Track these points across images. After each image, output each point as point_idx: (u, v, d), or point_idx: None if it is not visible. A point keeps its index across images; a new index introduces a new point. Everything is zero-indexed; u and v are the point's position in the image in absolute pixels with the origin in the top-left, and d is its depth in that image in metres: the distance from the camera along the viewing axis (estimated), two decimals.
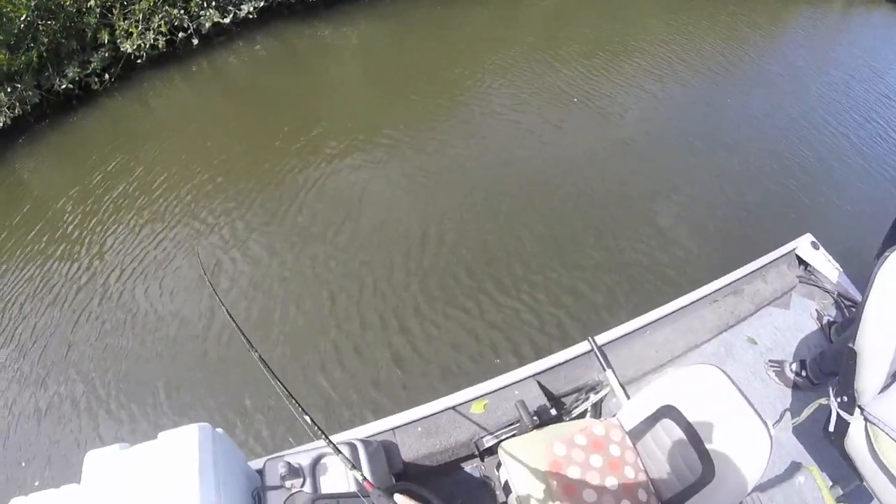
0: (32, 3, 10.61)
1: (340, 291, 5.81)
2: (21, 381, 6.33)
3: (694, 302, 3.69)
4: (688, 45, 10.21)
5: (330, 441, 1.76)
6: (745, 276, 3.89)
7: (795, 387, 3.38)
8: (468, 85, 8.88)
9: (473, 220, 6.23)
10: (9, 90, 10.65)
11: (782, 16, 12.23)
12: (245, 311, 5.82)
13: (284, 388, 1.83)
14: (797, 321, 3.81)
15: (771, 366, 3.52)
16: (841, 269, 3.93)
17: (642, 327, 3.53)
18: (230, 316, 2.15)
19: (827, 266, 3.97)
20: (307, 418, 1.76)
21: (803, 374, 3.32)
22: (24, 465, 5.41)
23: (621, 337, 3.46)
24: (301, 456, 2.26)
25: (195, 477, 1.91)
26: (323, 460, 2.25)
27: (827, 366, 3.11)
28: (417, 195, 6.74)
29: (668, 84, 8.79)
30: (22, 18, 10.60)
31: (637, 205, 6.28)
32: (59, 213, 8.81)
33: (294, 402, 1.81)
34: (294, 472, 2.15)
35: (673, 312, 3.62)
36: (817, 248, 4.03)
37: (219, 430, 2.21)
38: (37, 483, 5.17)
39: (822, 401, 2.78)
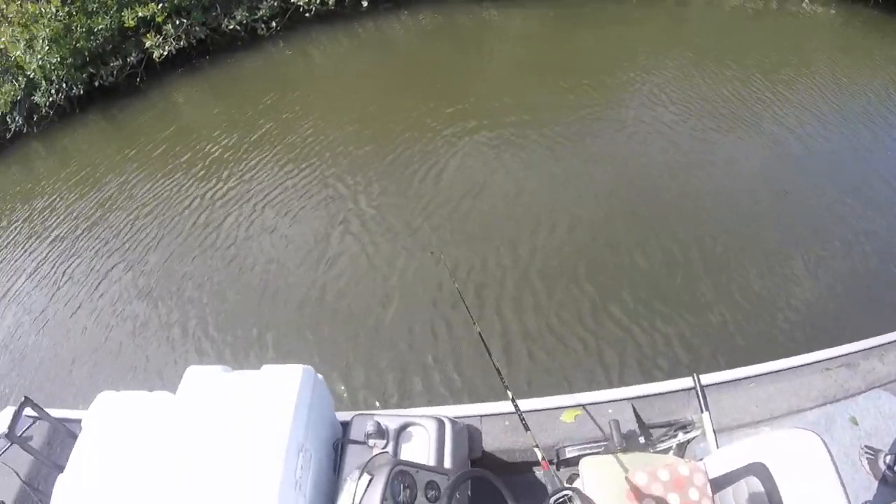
0: None
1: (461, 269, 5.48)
2: (135, 290, 6.27)
3: (805, 365, 3.52)
4: (851, 87, 9.43)
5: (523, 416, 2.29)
6: (862, 350, 3.63)
7: (884, 480, 3.05)
8: (624, 86, 8.45)
9: (604, 224, 5.94)
10: (177, 23, 10.77)
11: None
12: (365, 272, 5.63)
13: (495, 366, 2.44)
14: None
15: (866, 452, 3.18)
16: None
17: (748, 377, 3.40)
18: (458, 290, 2.82)
19: None
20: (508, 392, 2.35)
21: (895, 469, 2.99)
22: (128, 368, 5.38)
23: (725, 382, 3.35)
24: (389, 419, 2.32)
25: (290, 413, 2.02)
26: (409, 429, 2.33)
27: None
28: (550, 186, 6.41)
29: (830, 126, 8.09)
30: None
31: (773, 248, 5.72)
32: (206, 138, 8.78)
33: (501, 377, 2.38)
34: (380, 432, 2.25)
35: (782, 370, 3.47)
36: None
37: (319, 375, 2.28)
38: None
39: None
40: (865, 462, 3.16)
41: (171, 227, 7.07)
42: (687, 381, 3.23)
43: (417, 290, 5.35)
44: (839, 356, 3.58)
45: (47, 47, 10.77)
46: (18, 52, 10.99)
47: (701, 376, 3.10)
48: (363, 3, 10.95)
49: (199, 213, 7.13)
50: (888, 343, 3.72)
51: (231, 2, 11.08)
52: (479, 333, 2.72)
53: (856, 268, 5.59)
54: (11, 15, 11.52)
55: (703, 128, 7.54)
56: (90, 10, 11.04)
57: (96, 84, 11.51)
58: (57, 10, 10.91)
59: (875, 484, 3.05)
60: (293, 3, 10.81)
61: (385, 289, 5.41)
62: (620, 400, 3.16)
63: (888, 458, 3.08)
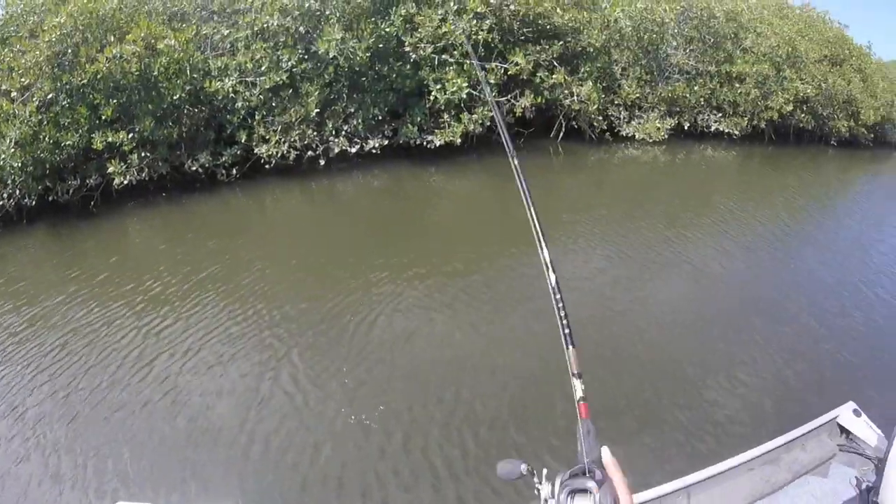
0: (187, 88, 11.61)
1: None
2: (58, 417, 6.01)
3: (730, 469, 3.66)
4: (751, 218, 11.23)
5: None
6: (783, 444, 3.82)
7: None
8: (551, 241, 9.28)
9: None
10: (142, 154, 11.36)
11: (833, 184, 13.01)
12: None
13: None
14: (836, 490, 3.65)
15: None
16: (882, 434, 3.79)
17: (675, 492, 3.49)
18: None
19: (869, 433, 3.83)
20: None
21: None
22: None
23: (657, 498, 3.42)
24: None
25: None
26: None
27: None
28: (465, 343, 6.88)
29: (733, 257, 9.34)
30: (175, 97, 11.57)
31: (682, 368, 6.32)
32: (151, 272, 8.95)
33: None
34: None
35: (707, 479, 3.59)
36: (859, 416, 3.93)
37: None
38: None
39: None
40: None
41: (105, 355, 7.02)
42: None
43: (346, 442, 5.47)
44: (761, 454, 3.73)
45: (13, 150, 11.05)
46: None
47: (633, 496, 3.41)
48: (320, 161, 11.83)
49: (134, 346, 7.14)
50: (807, 433, 3.90)
51: (196, 144, 11.77)
52: None
53: (767, 373, 6.33)
54: None
55: (618, 276, 8.47)
56: (62, 123, 11.50)
57: (50, 199, 11.79)
58: (31, 114, 11.30)
59: None
60: (255, 154, 11.55)
61: (314, 437, 5.50)
62: None
63: None
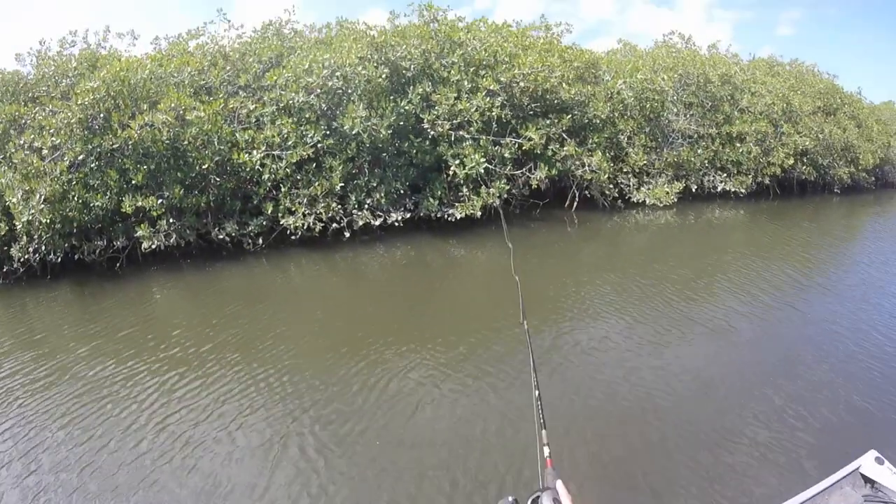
0: (216, 158, 11.95)
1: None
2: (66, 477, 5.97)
3: None
4: (763, 273, 11.29)
5: None
6: (807, 500, 3.72)
7: None
8: (567, 312, 9.71)
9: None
10: (170, 221, 11.65)
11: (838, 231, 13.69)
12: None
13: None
14: None
15: None
16: None
17: None
18: None
19: (894, 480, 3.72)
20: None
21: None
22: None
23: None
24: None
25: None
26: None
27: None
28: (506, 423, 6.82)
29: (749, 316, 9.41)
30: (203, 166, 11.90)
31: (696, 431, 6.50)
32: (172, 335, 9.08)
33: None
34: None
35: None
36: (882, 463, 3.83)
37: None
38: None
39: None
40: None
41: (120, 409, 7.04)
42: None
43: None
44: None
45: (42, 206, 11.32)
46: (14, 200, 11.45)
47: None
48: (345, 233, 12.16)
49: (149, 403, 7.17)
50: (830, 486, 3.84)
51: (222, 213, 12.08)
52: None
53: (784, 429, 6.35)
54: (16, 161, 12.07)
55: (629, 341, 8.57)
56: (91, 184, 11.79)
57: (76, 257, 12.04)
58: (61, 173, 11.59)
59: None
60: (281, 224, 11.87)
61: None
62: None
63: None
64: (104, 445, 6.57)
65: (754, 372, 7.69)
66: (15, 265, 12.33)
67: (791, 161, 20.41)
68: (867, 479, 3.94)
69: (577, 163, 15.05)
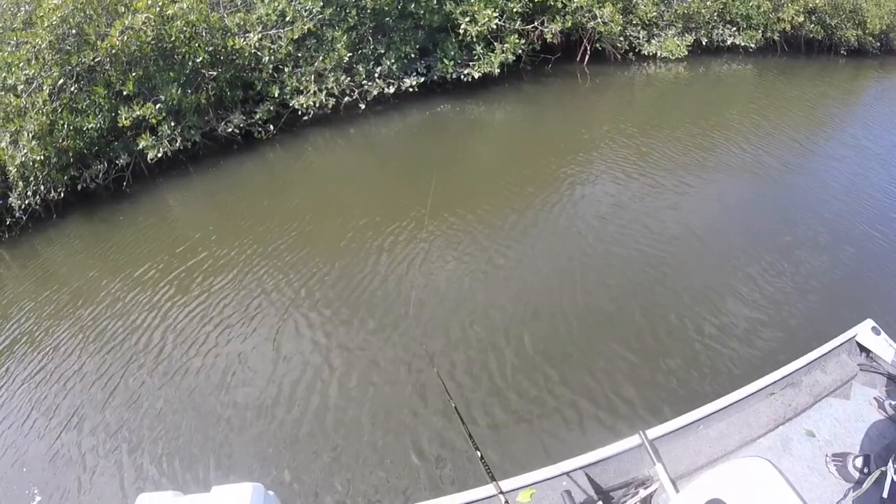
0: (209, 49, 10.95)
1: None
2: (89, 415, 6.03)
3: (749, 395, 3.61)
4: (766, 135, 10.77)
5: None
6: (803, 367, 3.77)
7: (859, 484, 3.09)
8: (585, 162, 9.46)
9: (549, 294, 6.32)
10: (172, 125, 10.71)
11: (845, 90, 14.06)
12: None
13: (470, 435, 2.61)
14: (859, 411, 3.60)
15: (833, 460, 3.28)
16: None
17: (695, 421, 3.48)
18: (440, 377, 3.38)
19: (889, 351, 3.74)
20: (479, 456, 2.46)
21: (866, 470, 3.06)
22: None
23: (674, 431, 3.42)
24: None
25: None
26: None
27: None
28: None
29: (750, 173, 9.16)
30: (197, 60, 10.90)
31: (698, 289, 6.24)
32: (196, 247, 8.57)
33: (478, 454, 2.53)
34: None
35: (727, 406, 3.56)
36: (878, 334, 3.83)
37: (270, 492, 2.30)
38: None
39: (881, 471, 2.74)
40: (834, 469, 3.21)
41: (146, 342, 6.83)
42: (635, 440, 3.24)
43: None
44: (781, 378, 3.68)
45: (33, 143, 10.41)
46: (3, 144, 10.55)
47: (648, 431, 3.18)
48: (360, 105, 11.25)
49: (177, 319, 6.98)
50: (826, 354, 3.85)
51: (224, 106, 11.14)
52: (456, 408, 2.95)
53: (782, 295, 6.11)
54: None
55: (646, 185, 8.47)
56: (79, 107, 10.83)
57: (79, 188, 11.14)
58: (44, 103, 10.64)
59: (848, 488, 3.08)
60: (291, 106, 10.95)
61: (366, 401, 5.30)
62: (574, 470, 3.15)
63: (857, 460, 3.12)
64: (139, 369, 6.38)
65: (751, 233, 7.31)
66: (17, 214, 11.47)
67: (801, 18, 19.68)
68: (863, 348, 3.98)
69: (588, 15, 14.07)
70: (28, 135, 10.66)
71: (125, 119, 10.59)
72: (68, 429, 5.97)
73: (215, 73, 11.07)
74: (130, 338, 6.96)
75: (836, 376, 3.77)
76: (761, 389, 3.64)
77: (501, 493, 2.52)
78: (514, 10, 12.85)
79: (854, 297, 6.07)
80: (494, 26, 12.33)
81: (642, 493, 3.09)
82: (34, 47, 11.11)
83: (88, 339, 7.28)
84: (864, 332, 3.92)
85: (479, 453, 2.59)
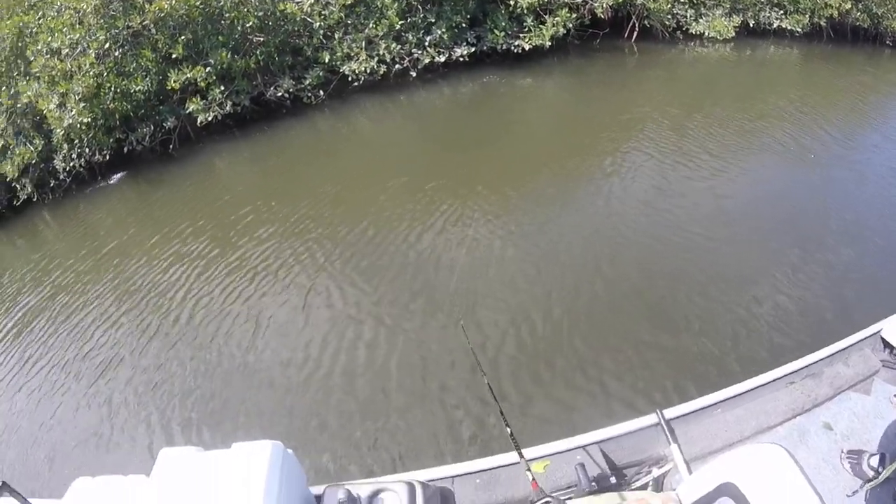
0: (259, 14, 10.82)
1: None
2: (121, 372, 6.08)
3: (769, 382, 3.59)
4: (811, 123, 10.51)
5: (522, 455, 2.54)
6: (825, 357, 3.72)
7: (871, 481, 3.03)
8: (637, 133, 9.27)
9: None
10: (222, 88, 10.60)
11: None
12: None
13: (501, 411, 2.69)
14: (878, 408, 3.52)
15: (848, 457, 3.21)
16: None
17: (714, 404, 3.47)
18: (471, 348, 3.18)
19: None
20: (508, 430, 2.53)
21: (881, 469, 2.98)
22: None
23: (691, 413, 3.42)
24: (361, 488, 2.40)
25: (260, 491, 2.07)
26: (381, 495, 2.38)
27: None
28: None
29: (796, 160, 8.87)
30: (247, 24, 10.77)
31: (730, 271, 6.12)
32: (241, 201, 8.64)
33: (505, 422, 2.59)
34: (352, 500, 2.29)
35: (746, 392, 3.54)
36: None
37: (289, 450, 2.34)
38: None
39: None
40: (848, 466, 3.15)
41: (192, 291, 6.91)
42: (652, 418, 3.27)
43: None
44: (803, 367, 3.63)
45: (82, 105, 10.35)
46: (52, 107, 10.48)
47: (665, 410, 3.23)
48: (411, 73, 11.08)
49: (219, 280, 6.99)
50: (850, 346, 3.78)
51: (271, 71, 11.03)
52: (489, 384, 2.96)
53: (817, 279, 5.97)
54: (36, 70, 11.11)
55: (685, 166, 8.26)
56: (126, 70, 10.75)
57: (125, 150, 11.07)
58: (91, 66, 10.57)
59: (860, 485, 3.03)
60: (341, 73, 10.81)
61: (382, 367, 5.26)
62: (589, 445, 3.18)
63: (872, 458, 3.05)
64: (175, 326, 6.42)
65: (786, 220, 7.07)
66: (61, 176, 11.45)
67: (848, 5, 19.25)
68: (887, 344, 3.88)
69: None
70: (75, 97, 10.59)
71: (174, 82, 10.49)
72: (102, 377, 6.04)
73: (263, 39, 10.94)
74: (166, 293, 7.00)
75: (857, 370, 3.69)
76: (782, 377, 3.61)
77: (529, 471, 2.52)
78: None
79: (886, 291, 5.89)
80: None
81: (655, 472, 3.11)
82: (78, 11, 11.03)
83: (126, 293, 7.35)
84: (889, 327, 3.83)
85: (509, 430, 2.59)
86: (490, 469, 3.09)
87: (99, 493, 2.42)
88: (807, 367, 3.67)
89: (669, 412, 3.31)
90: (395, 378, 5.01)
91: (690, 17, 16.08)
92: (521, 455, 2.53)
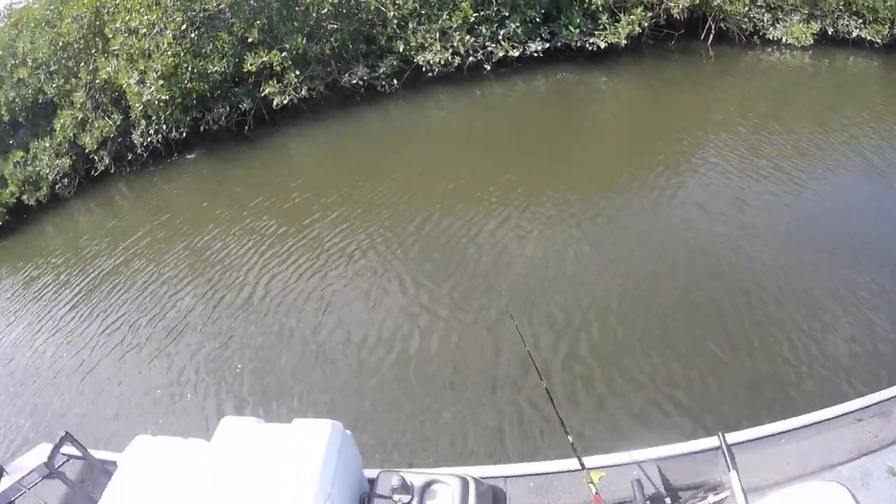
0: (335, 1, 10.91)
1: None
2: (192, 338, 6.27)
3: (836, 417, 3.39)
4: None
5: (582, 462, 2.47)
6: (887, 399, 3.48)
7: None
8: (712, 141, 8.94)
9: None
10: (297, 73, 10.75)
11: None
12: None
13: (561, 419, 2.58)
14: None
15: None
16: None
17: (778, 434, 3.31)
18: (526, 346, 3.14)
19: None
20: (569, 438, 2.45)
21: None
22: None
23: (754, 440, 3.28)
24: (414, 476, 2.40)
25: (317, 468, 2.09)
26: (434, 486, 2.39)
27: None
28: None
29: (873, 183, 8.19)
30: (323, 11, 10.88)
31: (802, 293, 5.75)
32: (313, 194, 8.65)
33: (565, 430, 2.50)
34: (405, 488, 2.30)
35: (812, 424, 3.36)
36: None
37: (348, 431, 2.37)
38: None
39: None
40: None
41: (263, 265, 7.09)
42: (713, 441, 3.12)
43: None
44: (872, 405, 3.44)
45: (160, 83, 10.63)
46: (132, 82, 10.80)
47: (728, 435, 3.02)
48: (486, 66, 11.06)
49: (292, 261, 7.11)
50: None
51: (346, 60, 11.14)
52: (547, 389, 2.90)
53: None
54: (115, 48, 11.43)
55: (758, 179, 7.80)
56: (203, 51, 10.98)
57: (201, 129, 11.33)
58: (168, 45, 10.84)
59: None
60: (415, 63, 10.85)
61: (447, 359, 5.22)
62: (647, 461, 3.11)
63: None
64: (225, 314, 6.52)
65: (863, 243, 6.54)
66: (138, 151, 11.80)
67: None
68: None
69: None
70: (154, 74, 10.87)
71: (250, 65, 10.68)
72: (168, 342, 6.26)
73: (338, 26, 11.04)
74: (236, 266, 7.21)
75: None
76: (849, 413, 3.43)
77: (592, 483, 2.50)
78: None
79: None
80: None
81: (711, 498, 2.99)
82: None
83: (196, 263, 7.61)
84: None
85: (569, 438, 2.56)
86: (545, 473, 3.06)
87: (158, 452, 2.51)
88: (877, 404, 3.50)
89: (732, 437, 3.15)
90: (452, 372, 5.00)
91: (767, 21, 15.58)
92: (582, 465, 2.51)
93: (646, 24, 12.08)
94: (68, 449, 3.19)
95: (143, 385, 5.72)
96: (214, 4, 10.97)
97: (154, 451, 2.50)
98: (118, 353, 6.40)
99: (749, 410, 4.46)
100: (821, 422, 3.36)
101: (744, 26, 14.90)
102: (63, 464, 3.26)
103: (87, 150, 12.38)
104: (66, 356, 6.73)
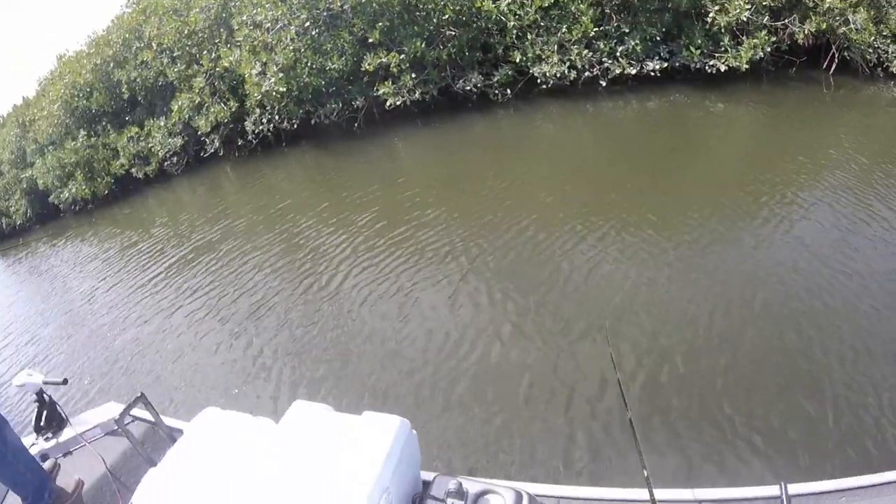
0: (456, 8, 10.99)
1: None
2: (276, 321, 6.34)
3: None
4: None
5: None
6: None
7: None
8: (823, 179, 8.33)
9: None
10: (413, 76, 10.89)
11: None
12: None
13: (640, 451, 2.31)
14: None
15: None
16: None
17: (840, 490, 2.97)
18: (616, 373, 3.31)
19: None
20: (645, 473, 2.20)
21: None
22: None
23: (817, 493, 2.97)
24: (470, 484, 2.36)
25: (380, 462, 2.11)
26: (488, 496, 2.35)
27: None
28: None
29: None
30: (444, 18, 10.98)
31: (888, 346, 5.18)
32: (415, 194, 8.66)
33: (643, 465, 2.22)
34: (459, 494, 2.28)
35: (879, 485, 2.99)
36: None
37: (414, 430, 2.36)
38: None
39: None
40: None
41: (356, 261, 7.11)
42: (774, 490, 2.86)
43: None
44: None
45: (280, 75, 10.98)
46: (254, 72, 11.20)
47: (790, 485, 2.83)
48: (601, 82, 10.92)
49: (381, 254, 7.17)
50: None
51: (460, 66, 11.21)
52: (630, 420, 2.66)
53: None
54: (239, 39, 11.86)
55: (870, 228, 7.10)
56: (324, 49, 11.26)
57: (312, 122, 11.63)
58: (291, 40, 11.17)
59: None
60: (530, 74, 10.82)
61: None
62: (708, 501, 2.94)
63: None
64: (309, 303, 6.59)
65: None
66: (249, 138, 12.21)
67: None
68: None
69: (840, 19, 12.87)
70: (275, 66, 11.22)
71: (369, 65, 10.88)
72: (250, 321, 6.43)
73: (456, 32, 11.12)
74: (327, 255, 7.34)
75: None
76: None
77: None
78: (764, 2, 11.99)
79: None
80: (744, 18, 11.54)
81: None
82: None
83: (289, 248, 7.81)
84: None
85: (645, 472, 2.42)
86: (605, 500, 2.94)
87: (226, 425, 2.53)
88: None
89: (794, 488, 2.99)
90: (528, 387, 4.89)
91: (892, 53, 14.79)
92: (653, 499, 2.41)
93: (769, 49, 11.65)
94: (141, 412, 3.24)
95: (220, 359, 5.91)
96: (339, 4, 11.23)
97: (221, 424, 2.54)
98: (201, 325, 6.68)
99: (816, 463, 4.23)
100: (889, 483, 3.10)
101: (868, 56, 14.20)
102: (129, 423, 3.29)
103: (199, 133, 12.92)
104: (152, 319, 7.15)
